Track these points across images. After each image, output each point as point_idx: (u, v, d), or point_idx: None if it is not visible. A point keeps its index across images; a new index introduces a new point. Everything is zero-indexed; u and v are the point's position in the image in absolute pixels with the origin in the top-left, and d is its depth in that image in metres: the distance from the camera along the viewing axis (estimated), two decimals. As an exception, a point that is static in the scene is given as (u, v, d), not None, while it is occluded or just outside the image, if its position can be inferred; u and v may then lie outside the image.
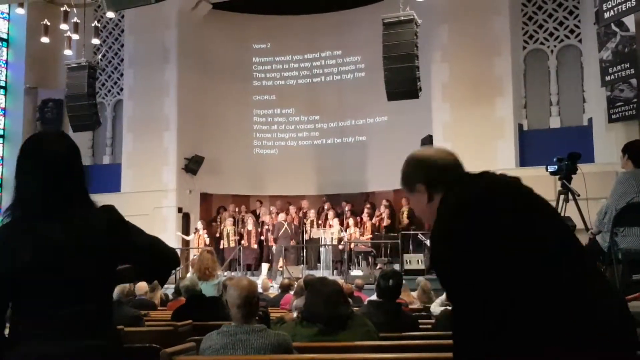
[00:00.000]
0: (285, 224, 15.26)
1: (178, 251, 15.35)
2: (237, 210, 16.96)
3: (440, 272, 1.90)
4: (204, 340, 3.16)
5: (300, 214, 16.66)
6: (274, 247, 15.38)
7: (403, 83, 12.02)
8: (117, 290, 5.54)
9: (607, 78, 12.27)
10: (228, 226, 15.91)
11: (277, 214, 16.19)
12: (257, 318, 3.23)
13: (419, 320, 5.04)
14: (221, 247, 15.81)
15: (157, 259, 2.23)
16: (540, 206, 1.94)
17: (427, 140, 14.95)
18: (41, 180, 2.10)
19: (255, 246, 15.81)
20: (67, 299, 2.02)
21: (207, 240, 15.54)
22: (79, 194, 2.16)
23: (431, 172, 2.09)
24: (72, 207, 2.10)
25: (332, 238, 15.30)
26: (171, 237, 16.05)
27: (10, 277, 2.01)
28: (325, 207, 16.54)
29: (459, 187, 2.01)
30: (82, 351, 2.01)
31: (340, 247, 14.95)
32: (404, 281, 5.49)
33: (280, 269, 14.90)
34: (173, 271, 2.29)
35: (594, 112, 13.43)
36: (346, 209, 16.17)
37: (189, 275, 8.10)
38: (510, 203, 1.90)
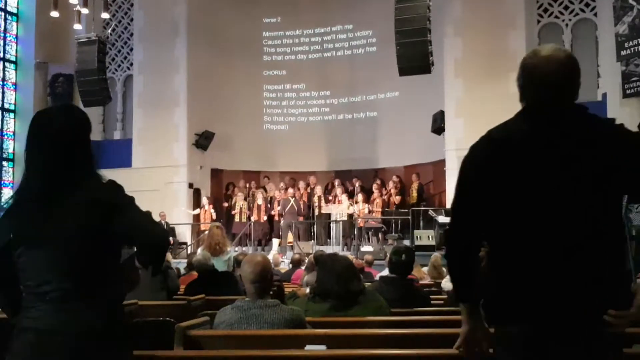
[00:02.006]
0: (292, 200, 15.23)
1: (189, 227, 15.52)
2: (247, 185, 16.97)
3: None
4: (218, 315, 3.17)
5: (309, 190, 16.65)
6: (281, 223, 15.41)
7: (415, 58, 11.90)
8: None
9: (623, 52, 12.10)
10: (240, 201, 15.95)
11: (286, 189, 16.20)
12: (271, 293, 3.24)
13: (430, 296, 5.04)
14: (233, 222, 15.87)
15: (143, 242, 2.12)
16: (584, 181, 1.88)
17: (439, 116, 14.85)
18: (43, 156, 2.14)
19: (265, 219, 15.87)
20: (52, 279, 2.05)
21: (214, 215, 15.59)
22: (81, 169, 2.16)
23: (523, 80, 2.08)
24: (71, 185, 2.11)
25: (341, 214, 15.30)
26: (182, 213, 16.15)
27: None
28: (336, 184, 16.52)
29: (518, 121, 2.04)
30: (72, 330, 2.03)
31: (356, 221, 14.92)
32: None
33: (290, 244, 14.95)
34: (168, 253, 2.21)
35: (609, 87, 13.26)
36: (356, 185, 16.15)
37: (199, 250, 8.12)
38: (540, 171, 1.91)
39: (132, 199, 2.15)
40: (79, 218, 2.05)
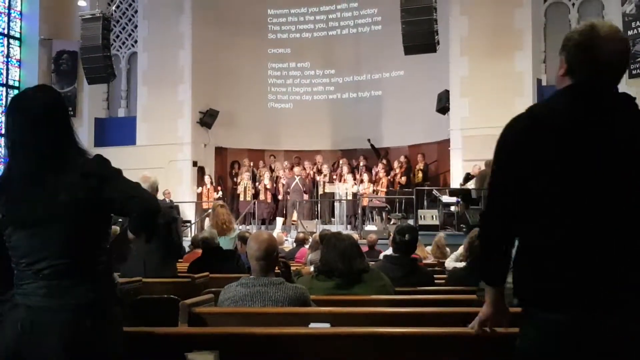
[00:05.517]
0: (297, 179, 15.23)
1: (193, 205, 15.46)
2: (251, 164, 16.94)
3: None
4: (223, 292, 3.19)
5: (315, 169, 16.64)
6: (287, 201, 15.44)
7: (421, 36, 11.82)
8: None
9: (630, 32, 12.00)
10: (245, 180, 15.96)
11: (291, 168, 16.18)
12: (278, 271, 3.25)
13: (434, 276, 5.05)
14: (238, 201, 15.89)
15: (135, 209, 2.15)
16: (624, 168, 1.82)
17: (444, 96, 14.78)
18: (27, 136, 2.14)
19: (270, 200, 15.89)
20: (46, 256, 2.06)
21: (217, 195, 15.57)
22: (66, 146, 2.17)
23: (573, 55, 1.95)
24: (58, 163, 2.12)
25: (345, 193, 15.30)
26: (186, 191, 16.17)
27: None
28: (341, 162, 16.51)
29: (563, 99, 1.93)
30: (65, 306, 2.04)
31: (361, 201, 14.90)
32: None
33: (294, 223, 14.98)
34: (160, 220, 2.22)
35: (615, 68, 13.14)
36: (362, 163, 16.12)
37: (206, 229, 8.15)
38: (583, 155, 1.81)
39: (119, 170, 2.19)
40: (71, 194, 2.07)
